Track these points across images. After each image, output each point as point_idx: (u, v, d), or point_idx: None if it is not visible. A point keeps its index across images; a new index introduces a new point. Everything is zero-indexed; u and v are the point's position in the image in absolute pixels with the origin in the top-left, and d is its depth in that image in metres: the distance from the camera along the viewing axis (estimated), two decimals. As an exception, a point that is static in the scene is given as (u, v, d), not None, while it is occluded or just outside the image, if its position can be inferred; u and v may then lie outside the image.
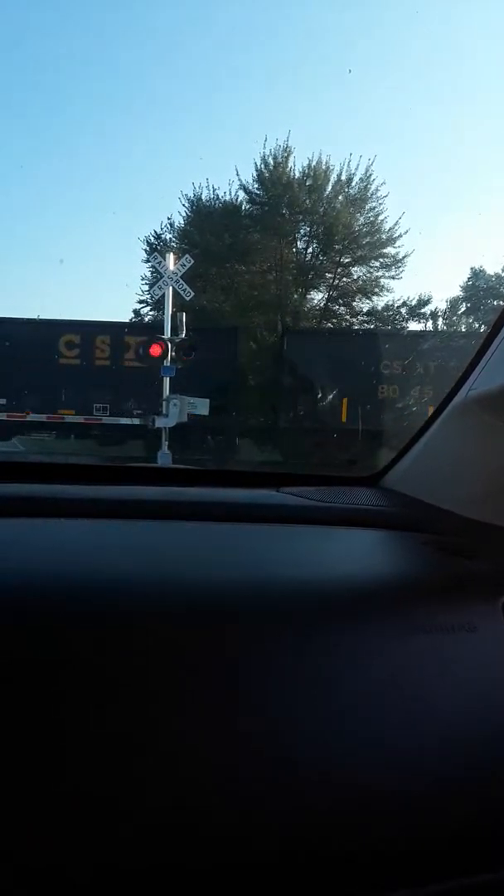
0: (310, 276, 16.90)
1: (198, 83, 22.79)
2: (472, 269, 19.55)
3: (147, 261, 16.97)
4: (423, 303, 17.33)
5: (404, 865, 0.66)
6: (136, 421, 10.35)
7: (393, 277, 16.85)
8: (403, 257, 16.58)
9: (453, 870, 0.67)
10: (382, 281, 16.94)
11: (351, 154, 19.53)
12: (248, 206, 16.90)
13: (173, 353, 8.67)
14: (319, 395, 10.81)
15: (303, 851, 0.63)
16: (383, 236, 16.56)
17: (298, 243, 17.04)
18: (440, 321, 18.11)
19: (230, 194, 17.04)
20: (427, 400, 10.19)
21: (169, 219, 17.84)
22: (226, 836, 0.62)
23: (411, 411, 10.36)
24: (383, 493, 1.07)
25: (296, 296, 16.96)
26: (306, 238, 16.94)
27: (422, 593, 0.81)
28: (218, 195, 16.92)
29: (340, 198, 16.48)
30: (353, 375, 10.55)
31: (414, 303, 17.27)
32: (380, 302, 17.31)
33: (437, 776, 0.69)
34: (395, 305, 17.21)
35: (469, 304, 18.96)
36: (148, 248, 16.98)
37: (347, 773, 0.67)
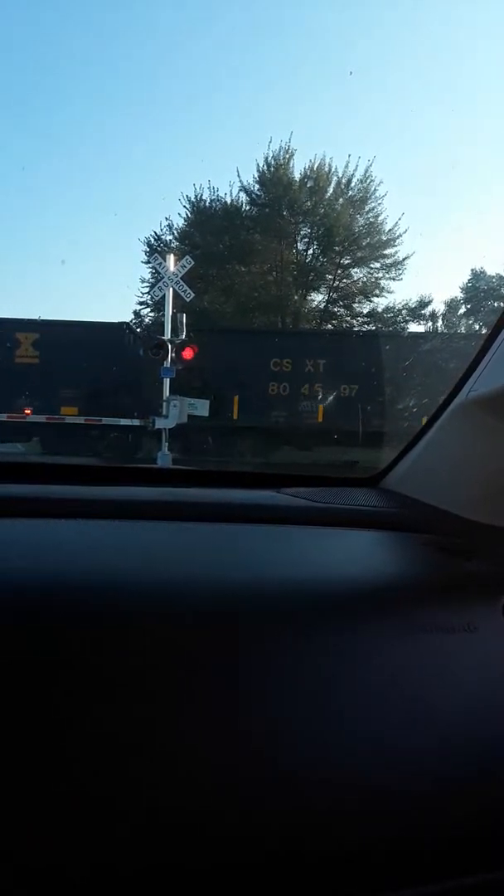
0: (310, 278, 16.91)
1: (199, 84, 22.85)
2: (472, 270, 19.58)
3: (147, 262, 17.00)
4: (424, 304, 17.36)
5: (404, 865, 0.66)
6: (136, 422, 10.36)
7: (393, 279, 16.88)
8: (404, 259, 16.60)
9: (453, 869, 0.67)
10: (383, 282, 16.97)
11: (350, 155, 19.57)
12: (248, 208, 16.92)
13: (173, 355, 8.67)
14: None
15: (303, 851, 0.64)
16: (383, 237, 16.58)
17: (299, 244, 17.07)
18: (440, 322, 18.14)
19: (231, 195, 17.07)
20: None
21: (168, 220, 17.90)
22: (225, 836, 0.62)
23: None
24: (383, 493, 1.07)
25: (296, 297, 16.97)
26: (307, 239, 16.97)
27: (422, 594, 0.81)
28: (219, 196, 16.95)
29: (341, 199, 16.50)
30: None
31: (414, 304, 17.30)
32: (380, 303, 17.33)
33: (436, 776, 0.69)
34: (396, 307, 17.25)
35: (469, 306, 18.99)
36: (148, 250, 17.01)
37: (347, 772, 0.67)
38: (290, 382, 10.98)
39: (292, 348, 11.32)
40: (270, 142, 20.26)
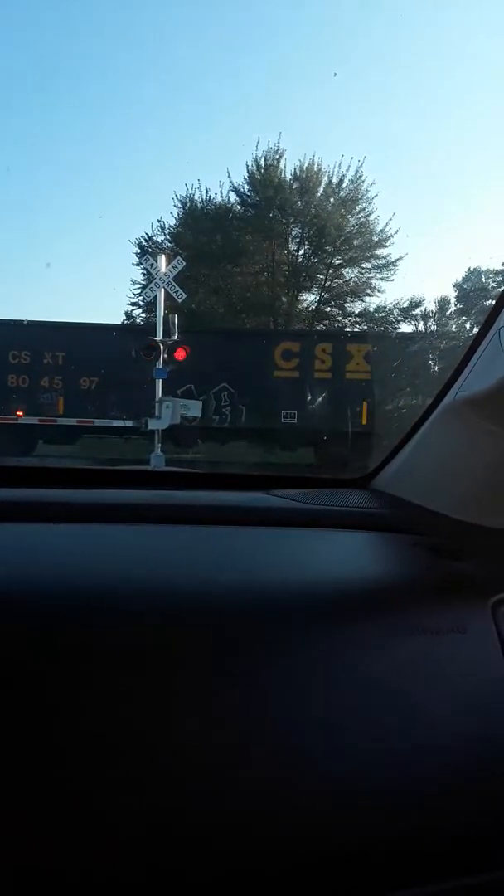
0: (302, 278, 16.93)
1: (189, 84, 22.85)
2: (468, 269, 19.67)
3: (138, 263, 16.97)
4: (416, 304, 17.42)
5: (401, 866, 0.67)
6: (129, 423, 10.34)
7: (385, 279, 16.93)
8: (395, 259, 16.66)
9: (451, 870, 0.68)
10: (374, 282, 17.02)
11: (342, 156, 19.63)
12: (239, 208, 16.92)
13: (165, 356, 8.65)
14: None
15: (301, 852, 0.64)
16: (374, 237, 16.62)
17: (290, 245, 17.09)
18: (432, 322, 18.19)
19: (221, 196, 17.07)
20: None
21: (160, 221, 17.86)
22: (224, 837, 0.62)
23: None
24: (373, 494, 1.07)
25: (288, 297, 16.99)
26: (298, 239, 17.00)
27: (412, 595, 0.81)
28: (210, 197, 16.94)
29: (332, 199, 16.53)
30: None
31: (406, 304, 17.35)
32: (372, 303, 17.38)
33: (430, 777, 0.69)
34: (388, 307, 17.29)
35: (461, 305, 19.06)
36: (139, 251, 16.98)
37: (340, 774, 0.67)
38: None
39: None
40: (258, 142, 20.29)
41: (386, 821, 0.67)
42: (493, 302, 0.86)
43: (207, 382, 10.60)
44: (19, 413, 10.60)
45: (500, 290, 0.85)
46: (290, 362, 10.86)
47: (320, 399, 10.12)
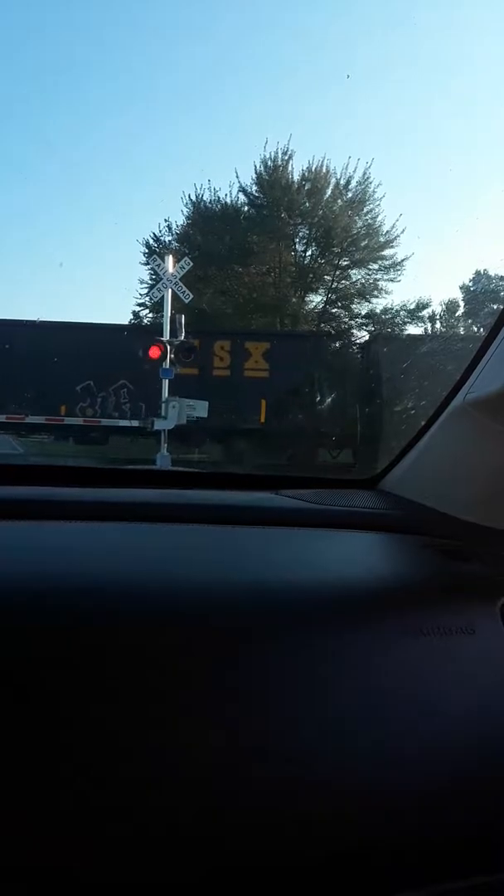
0: (309, 279, 16.91)
1: (198, 85, 22.87)
2: (476, 271, 19.59)
3: (146, 263, 17.00)
4: (423, 306, 17.36)
5: (404, 867, 0.66)
6: (136, 423, 10.36)
7: (392, 280, 16.89)
8: (402, 260, 16.60)
9: (454, 872, 0.68)
10: (381, 284, 16.98)
11: (350, 157, 19.61)
12: (247, 209, 16.92)
13: (172, 356, 8.67)
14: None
15: (303, 853, 0.64)
16: (381, 239, 16.56)
17: (297, 246, 17.06)
18: (439, 324, 18.14)
19: (230, 196, 17.08)
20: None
21: (167, 221, 17.87)
22: (226, 837, 0.62)
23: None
24: (381, 495, 1.07)
25: (295, 298, 16.97)
26: (305, 241, 16.97)
27: (421, 596, 0.81)
28: (219, 197, 16.95)
29: (339, 201, 16.50)
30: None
31: (413, 306, 17.30)
32: (379, 304, 17.33)
33: (436, 778, 0.69)
34: (394, 308, 17.25)
35: (468, 307, 18.99)
36: (147, 251, 17.00)
37: (346, 774, 0.67)
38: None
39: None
40: (266, 143, 20.30)
41: (387, 822, 0.67)
42: (502, 305, 0.86)
43: (107, 379, 10.62)
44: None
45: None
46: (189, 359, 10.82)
47: (219, 397, 9.86)
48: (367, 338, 13.86)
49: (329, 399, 11.19)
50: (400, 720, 0.70)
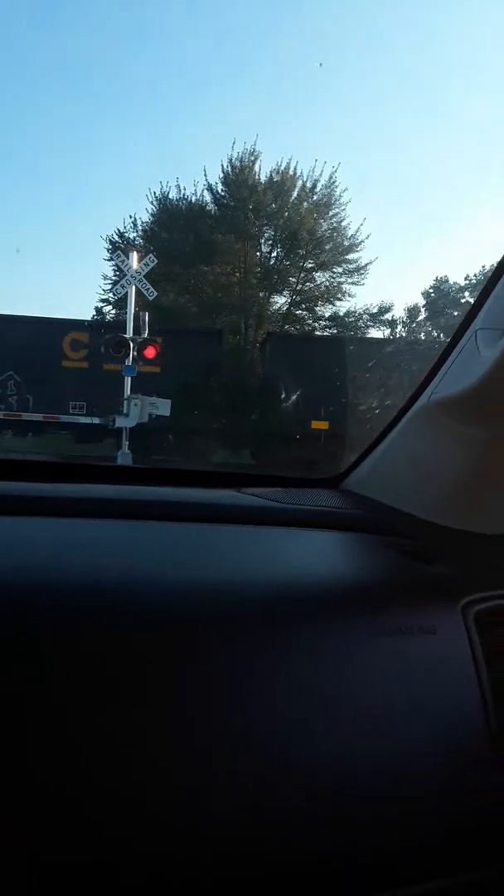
0: (274, 280, 17.00)
1: (169, 82, 22.75)
2: (436, 277, 20.02)
3: (110, 259, 16.80)
4: (385, 310, 17.65)
5: (382, 867, 0.67)
6: (96, 420, 10.21)
7: (355, 283, 17.12)
8: (366, 264, 16.86)
9: (435, 871, 0.68)
10: (345, 287, 17.20)
11: (316, 160, 19.84)
12: (213, 208, 16.91)
13: (135, 353, 8.58)
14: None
15: (282, 853, 0.64)
16: (346, 242, 16.80)
17: (263, 247, 17.15)
18: (400, 328, 18.48)
19: (196, 195, 17.03)
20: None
21: (132, 217, 17.72)
22: (209, 839, 0.62)
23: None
24: (345, 494, 1.07)
25: (259, 299, 17.03)
26: (271, 242, 17.06)
27: (383, 596, 0.81)
28: (185, 195, 16.88)
29: (305, 203, 16.65)
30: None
31: (375, 310, 17.57)
32: (342, 307, 17.55)
33: (401, 778, 0.69)
34: (357, 312, 17.49)
35: (429, 312, 19.41)
36: (111, 247, 16.80)
37: (314, 775, 0.67)
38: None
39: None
40: (234, 143, 20.33)
41: (360, 821, 0.67)
42: (458, 313, 0.87)
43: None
44: None
45: (478, 293, 0.86)
46: (79, 353, 10.83)
47: (109, 391, 9.68)
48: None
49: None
50: (361, 718, 0.70)
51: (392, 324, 18.11)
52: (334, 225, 16.86)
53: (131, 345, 8.51)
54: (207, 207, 16.87)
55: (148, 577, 0.76)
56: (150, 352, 8.64)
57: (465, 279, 19.24)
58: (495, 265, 0.81)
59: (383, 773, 0.68)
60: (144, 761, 0.63)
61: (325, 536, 0.96)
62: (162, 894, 0.61)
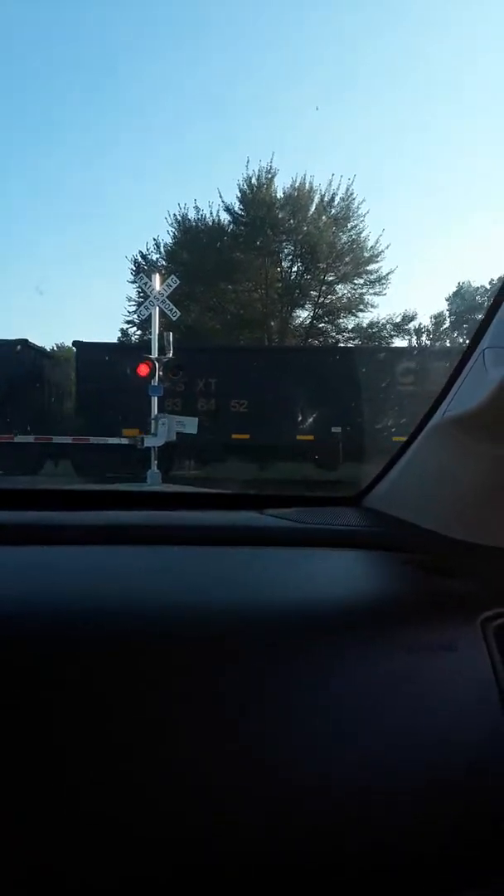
0: (295, 295, 17.07)
1: (183, 105, 23.17)
2: (458, 283, 19.81)
3: (133, 281, 17.09)
4: (408, 319, 17.55)
5: (397, 882, 0.67)
6: (125, 441, 10.34)
7: (377, 294, 17.09)
8: (387, 274, 16.83)
9: (447, 884, 0.68)
10: (367, 298, 17.17)
11: (333, 174, 19.95)
12: (232, 227, 17.09)
13: (161, 373, 8.69)
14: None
15: (293, 867, 0.64)
16: (366, 254, 16.79)
17: (283, 262, 17.25)
18: (424, 337, 18.32)
19: (213, 215, 17.25)
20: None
21: (155, 239, 18.02)
22: (219, 847, 0.63)
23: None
24: (365, 513, 1.08)
25: (282, 314, 17.11)
26: (290, 257, 17.15)
27: (404, 613, 0.82)
28: (203, 216, 17.11)
29: (323, 217, 16.71)
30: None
31: (399, 319, 17.48)
32: (365, 318, 17.51)
33: (421, 795, 0.69)
34: (381, 322, 17.42)
35: (453, 319, 19.20)
36: (134, 269, 17.10)
37: (333, 790, 0.67)
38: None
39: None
40: (248, 162, 20.56)
41: (376, 836, 0.67)
42: (482, 316, 0.87)
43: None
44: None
45: (486, 309, 0.87)
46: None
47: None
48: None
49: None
50: (384, 737, 0.70)
51: (418, 332, 18.01)
52: (353, 237, 16.90)
53: (156, 365, 8.64)
54: (226, 226, 17.07)
55: (172, 601, 0.78)
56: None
57: (490, 282, 19.03)
58: (501, 283, 0.83)
59: (404, 790, 0.69)
60: (170, 776, 0.65)
61: (346, 555, 0.97)
62: (170, 891, 0.62)
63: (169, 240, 17.38)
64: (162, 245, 17.44)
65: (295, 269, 17.20)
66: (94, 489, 1.17)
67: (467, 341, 0.91)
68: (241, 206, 16.80)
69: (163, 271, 11.78)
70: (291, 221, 16.60)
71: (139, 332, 16.41)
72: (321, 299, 17.25)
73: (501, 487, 0.86)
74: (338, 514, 1.08)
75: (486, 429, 0.82)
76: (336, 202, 16.66)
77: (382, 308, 19.41)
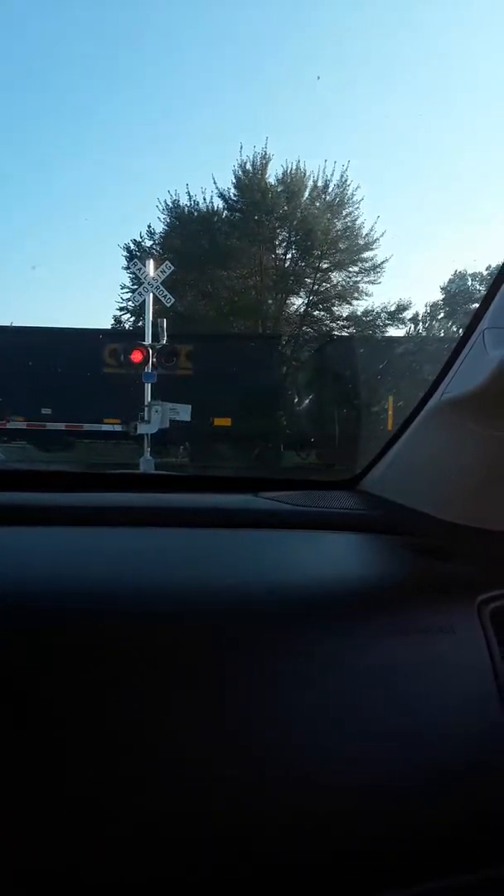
0: (289, 282, 16.95)
1: (176, 90, 22.90)
2: (455, 272, 19.79)
3: (127, 268, 16.95)
4: (403, 307, 17.50)
5: (393, 865, 0.67)
6: (118, 427, 10.30)
7: (372, 282, 17.00)
8: (381, 262, 16.74)
9: (442, 869, 0.68)
10: (361, 286, 17.08)
11: (326, 160, 19.78)
12: (226, 213, 16.95)
13: (154, 360, 8.64)
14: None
15: (296, 852, 0.64)
16: (361, 241, 16.69)
17: (277, 249, 17.11)
18: (420, 326, 18.31)
19: (207, 201, 17.09)
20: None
21: (149, 226, 17.85)
22: (219, 837, 0.63)
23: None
24: (361, 496, 1.08)
25: (276, 301, 17.02)
26: (285, 244, 17.02)
27: (401, 596, 0.82)
28: (196, 202, 16.95)
29: (317, 203, 16.58)
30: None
31: (393, 308, 17.43)
32: (359, 307, 17.44)
33: (419, 776, 0.69)
34: (375, 310, 17.36)
35: (448, 309, 19.19)
36: (128, 255, 16.95)
37: (334, 774, 0.68)
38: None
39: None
40: (242, 148, 20.35)
41: (375, 819, 0.67)
42: (477, 305, 0.87)
43: None
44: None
45: (484, 292, 0.86)
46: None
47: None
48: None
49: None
50: (382, 719, 0.71)
51: (414, 321, 17.98)
52: (348, 224, 16.76)
53: (150, 352, 8.58)
54: (220, 212, 16.92)
55: (169, 583, 0.78)
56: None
57: (487, 269, 19.01)
58: (501, 264, 0.82)
59: (402, 772, 0.69)
60: (167, 760, 0.64)
61: (343, 538, 0.96)
62: (168, 888, 0.62)
63: (161, 227, 17.24)
64: (155, 232, 17.30)
65: (289, 255, 17.08)
66: (88, 472, 1.16)
67: (461, 331, 0.91)
68: (236, 192, 16.66)
69: (156, 258, 11.67)
70: (286, 207, 16.46)
71: (133, 319, 16.31)
72: (315, 287, 17.14)
73: (499, 469, 0.86)
74: (334, 497, 1.08)
75: (486, 410, 0.82)
76: (331, 188, 16.55)
77: (378, 296, 19.29)
